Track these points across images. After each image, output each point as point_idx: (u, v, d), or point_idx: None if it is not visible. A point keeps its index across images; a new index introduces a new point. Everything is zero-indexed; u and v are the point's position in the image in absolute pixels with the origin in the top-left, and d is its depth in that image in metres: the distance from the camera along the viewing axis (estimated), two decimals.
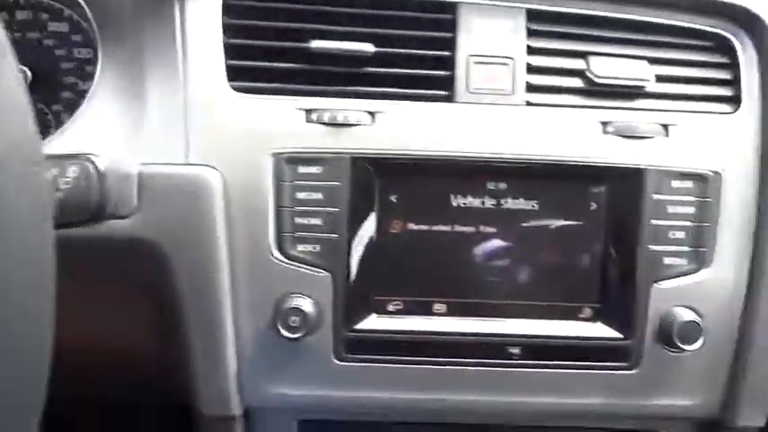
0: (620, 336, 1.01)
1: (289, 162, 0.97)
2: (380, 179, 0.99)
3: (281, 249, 0.98)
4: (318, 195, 0.97)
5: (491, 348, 1.02)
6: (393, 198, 1.00)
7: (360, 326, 1.01)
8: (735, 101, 1.04)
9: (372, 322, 1.01)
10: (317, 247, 0.98)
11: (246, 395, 1.03)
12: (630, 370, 1.02)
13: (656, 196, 0.98)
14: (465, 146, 0.99)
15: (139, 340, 1.10)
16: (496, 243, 1.01)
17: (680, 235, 0.99)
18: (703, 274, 1.00)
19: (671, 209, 0.98)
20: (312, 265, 0.98)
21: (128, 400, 1.45)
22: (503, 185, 0.99)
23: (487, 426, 1.10)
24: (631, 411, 1.05)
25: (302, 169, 0.97)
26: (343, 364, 1.01)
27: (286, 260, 0.98)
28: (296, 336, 0.96)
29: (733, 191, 1.00)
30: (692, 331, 0.97)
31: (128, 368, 1.16)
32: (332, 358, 1.01)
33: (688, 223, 0.99)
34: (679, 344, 0.97)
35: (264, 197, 0.97)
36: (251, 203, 0.98)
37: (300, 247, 0.98)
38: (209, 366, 1.00)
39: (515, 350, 1.02)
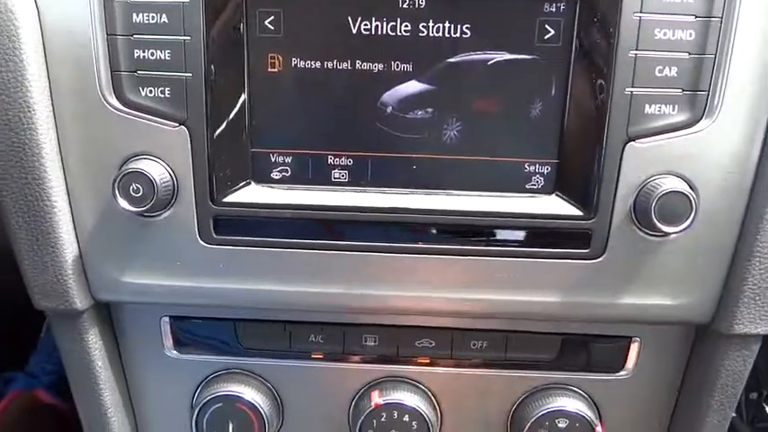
0: (581, 213, 0.77)
1: None
2: None
3: (117, 94, 0.76)
4: (161, 17, 0.73)
5: (408, 228, 0.80)
6: (268, 23, 0.75)
7: (232, 198, 0.79)
8: None
9: (249, 193, 0.80)
10: (167, 91, 0.76)
11: (95, 287, 0.82)
12: (594, 258, 0.78)
13: (638, 15, 0.70)
14: None
15: None
16: (415, 85, 0.76)
17: (671, 72, 0.73)
18: (701, 129, 0.73)
19: (659, 33, 0.72)
20: (161, 116, 0.76)
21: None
22: (421, 3, 0.74)
23: (402, 328, 0.87)
24: (596, 313, 0.81)
25: None
26: (210, 246, 0.79)
27: (125, 109, 0.76)
28: (140, 209, 0.75)
29: (753, 6, 0.71)
30: (678, 207, 0.73)
31: None
32: (196, 239, 0.79)
33: (684, 55, 0.73)
34: (660, 224, 0.74)
35: (89, 22, 0.74)
36: (72, 32, 0.75)
37: (144, 91, 0.76)
38: (36, 249, 0.79)
39: (440, 232, 0.78)
